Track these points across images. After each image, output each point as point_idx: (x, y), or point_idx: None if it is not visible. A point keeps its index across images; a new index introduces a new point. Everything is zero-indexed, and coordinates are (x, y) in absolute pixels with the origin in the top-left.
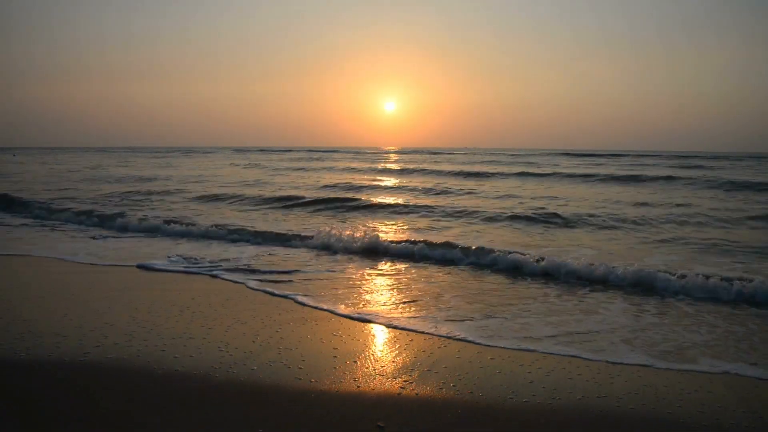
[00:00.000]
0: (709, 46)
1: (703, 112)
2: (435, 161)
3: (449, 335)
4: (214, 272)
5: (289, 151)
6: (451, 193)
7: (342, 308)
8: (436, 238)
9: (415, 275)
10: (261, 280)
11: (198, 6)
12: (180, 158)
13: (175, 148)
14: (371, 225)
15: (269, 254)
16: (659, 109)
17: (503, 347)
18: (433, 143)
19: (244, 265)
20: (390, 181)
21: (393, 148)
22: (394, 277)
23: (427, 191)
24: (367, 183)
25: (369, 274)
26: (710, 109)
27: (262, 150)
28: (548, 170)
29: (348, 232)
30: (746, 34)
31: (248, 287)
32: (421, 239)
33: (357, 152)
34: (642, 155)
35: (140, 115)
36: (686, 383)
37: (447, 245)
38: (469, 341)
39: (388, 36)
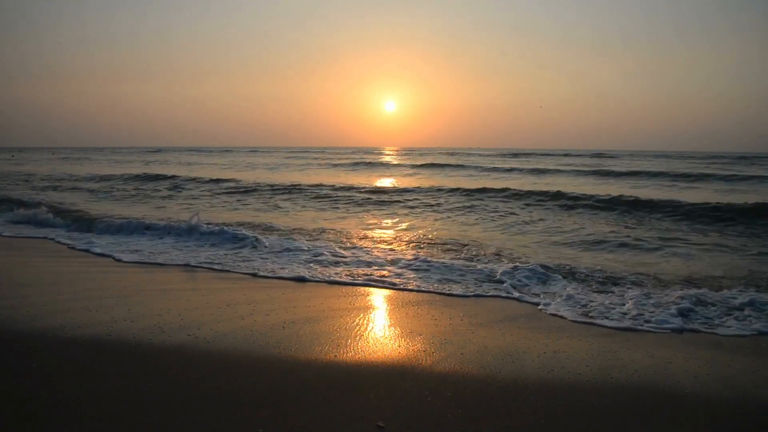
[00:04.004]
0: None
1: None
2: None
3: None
4: None
5: (255, 151)
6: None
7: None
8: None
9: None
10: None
11: (202, 5)
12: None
13: (159, 149)
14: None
15: None
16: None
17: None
18: (437, 143)
19: None
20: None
21: (393, 148)
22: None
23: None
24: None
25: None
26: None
27: (228, 150)
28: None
29: None
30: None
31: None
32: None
33: (326, 151)
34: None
35: (129, 116)
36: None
37: None
38: (469, 341)
39: (391, 35)
